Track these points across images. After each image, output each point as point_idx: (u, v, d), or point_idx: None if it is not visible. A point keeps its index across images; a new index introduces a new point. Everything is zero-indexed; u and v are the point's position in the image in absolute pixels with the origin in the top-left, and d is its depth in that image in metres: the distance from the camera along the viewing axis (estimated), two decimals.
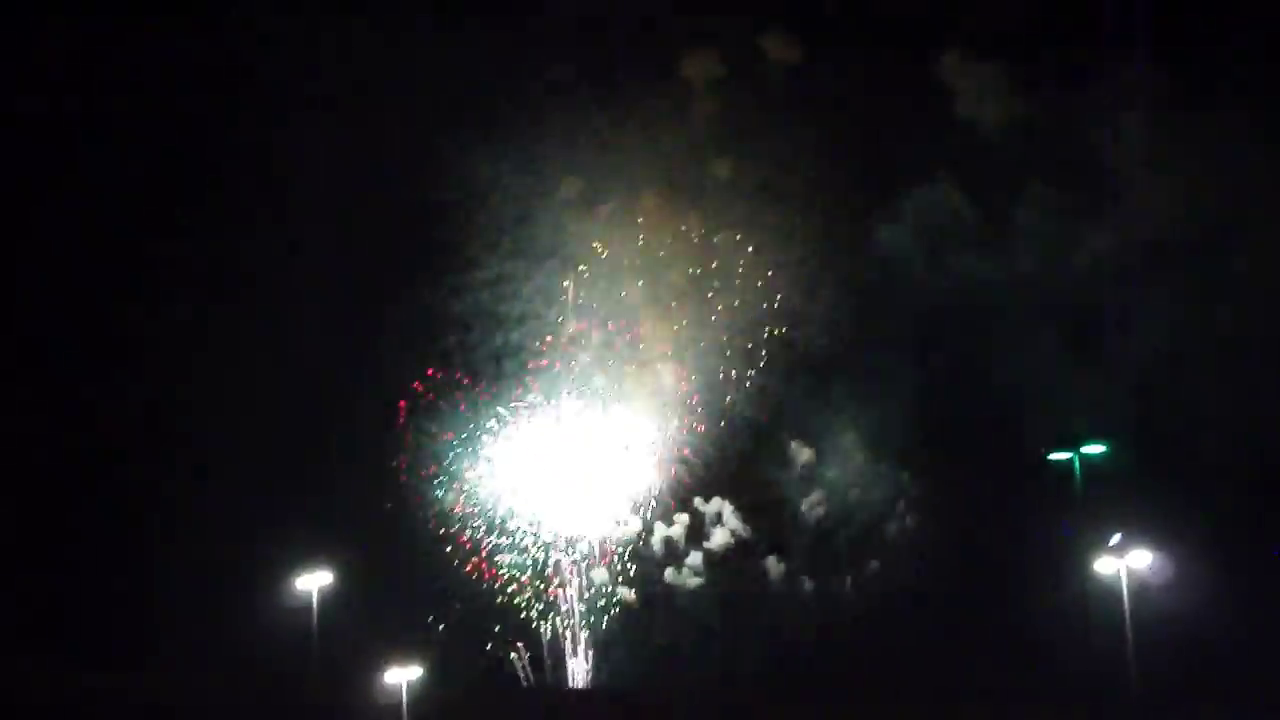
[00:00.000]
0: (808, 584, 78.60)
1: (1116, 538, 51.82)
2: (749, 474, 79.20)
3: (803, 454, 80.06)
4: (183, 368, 69.30)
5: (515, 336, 77.92)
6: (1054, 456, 49.38)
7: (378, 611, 62.80)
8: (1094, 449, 49.03)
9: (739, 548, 78.32)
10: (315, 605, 53.90)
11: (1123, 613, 50.96)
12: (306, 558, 56.03)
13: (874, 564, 78.46)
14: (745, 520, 78.39)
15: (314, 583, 54.88)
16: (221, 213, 72.01)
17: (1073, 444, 48.58)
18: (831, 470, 79.53)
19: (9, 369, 63.51)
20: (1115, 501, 53.83)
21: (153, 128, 72.92)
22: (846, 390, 78.67)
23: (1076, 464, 48.98)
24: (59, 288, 68.20)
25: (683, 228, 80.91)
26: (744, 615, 76.41)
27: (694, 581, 77.75)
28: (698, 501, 78.93)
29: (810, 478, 79.27)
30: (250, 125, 73.16)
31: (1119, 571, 51.62)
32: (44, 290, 67.66)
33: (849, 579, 78.03)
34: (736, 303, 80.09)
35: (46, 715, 52.98)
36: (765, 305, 79.55)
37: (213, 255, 71.58)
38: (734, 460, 79.27)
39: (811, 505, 79.26)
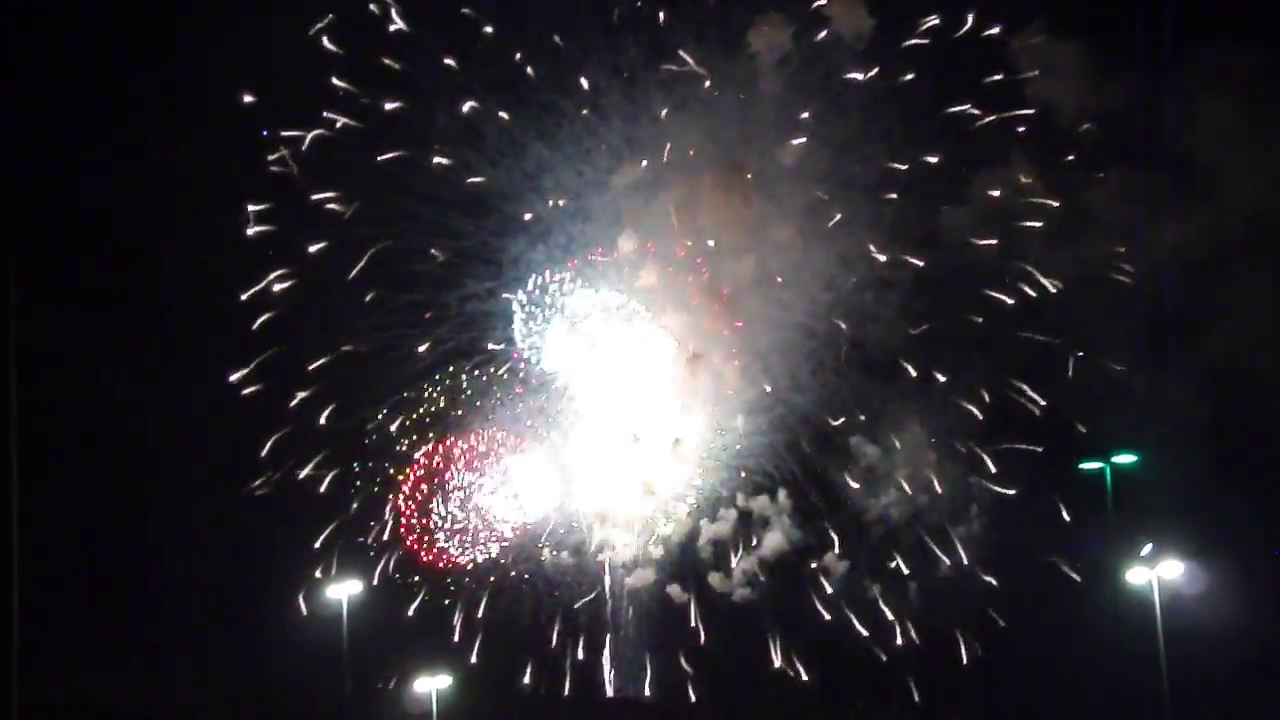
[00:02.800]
0: (872, 590, 78.56)
1: (1148, 548, 52.76)
2: (810, 474, 79.42)
3: (867, 452, 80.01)
4: (209, 370, 70.52)
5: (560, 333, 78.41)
6: (1085, 466, 50.21)
7: (408, 619, 64.58)
8: (1125, 458, 49.86)
9: (795, 549, 78.41)
10: (345, 614, 55.64)
11: (1155, 624, 51.51)
12: (338, 566, 57.73)
13: (945, 566, 78.38)
14: (802, 521, 78.69)
15: (344, 591, 56.79)
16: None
17: (1104, 453, 49.33)
18: (900, 471, 79.48)
19: (39, 372, 65.28)
20: (1148, 510, 54.63)
21: None
22: (914, 389, 78.68)
23: (1108, 474, 49.77)
24: (80, 289, 69.55)
25: (744, 216, 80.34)
26: (799, 620, 76.69)
27: (744, 586, 78.12)
28: (753, 501, 79.15)
29: (876, 479, 79.39)
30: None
31: (1151, 582, 52.46)
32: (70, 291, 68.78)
33: (914, 586, 78.15)
34: (800, 295, 79.38)
35: None
36: (831, 297, 78.90)
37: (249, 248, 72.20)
38: (794, 459, 79.39)
39: (876, 507, 79.37)
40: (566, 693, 75.04)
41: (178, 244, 72.26)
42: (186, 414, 69.96)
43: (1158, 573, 52.86)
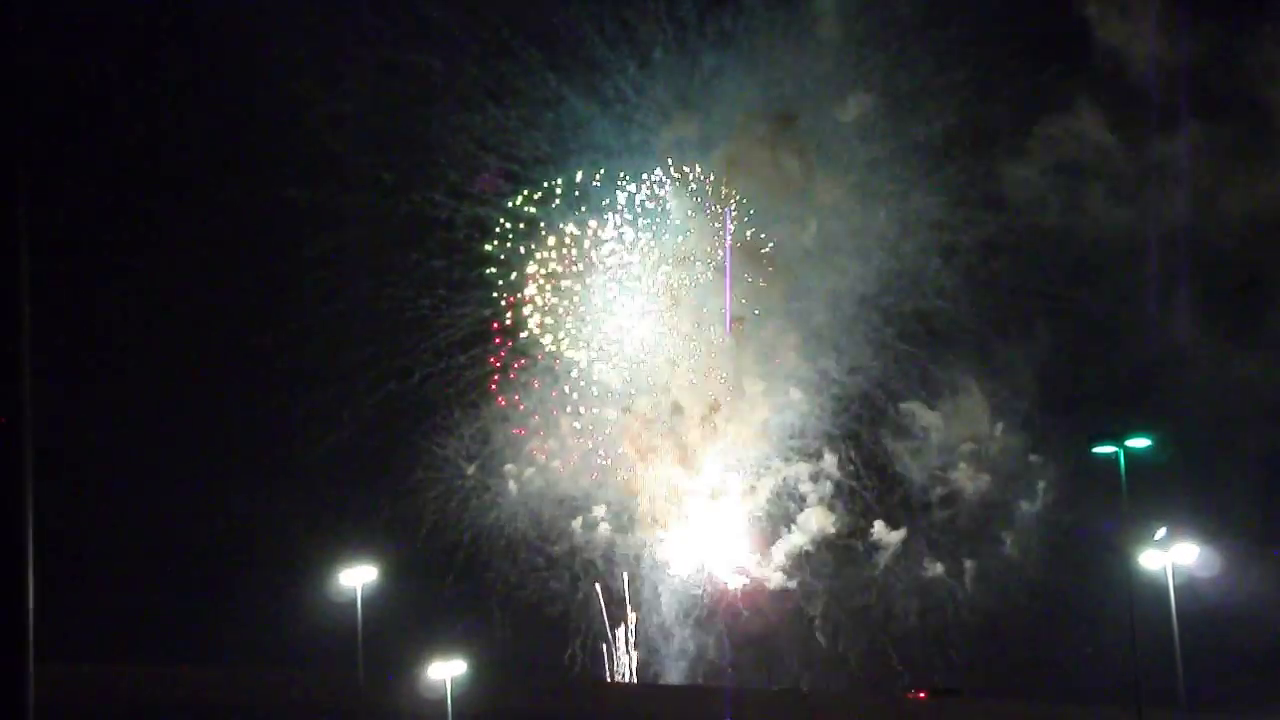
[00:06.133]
0: (929, 569, 77.87)
1: (1162, 531, 52.94)
2: (865, 448, 78.67)
3: (923, 420, 79.08)
4: (225, 360, 70.83)
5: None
6: (1098, 449, 50.44)
7: (423, 606, 64.88)
8: (1139, 442, 50.07)
9: (845, 527, 77.86)
10: (359, 601, 56.07)
11: (1169, 608, 51.69)
12: (352, 552, 58.13)
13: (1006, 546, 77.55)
14: (852, 497, 77.92)
15: (358, 578, 57.22)
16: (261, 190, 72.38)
17: (1118, 436, 49.52)
18: (961, 446, 78.56)
19: (65, 373, 65.66)
20: (1163, 494, 54.78)
21: None
22: (972, 359, 77.82)
23: (1121, 457, 49.98)
24: (104, 289, 69.74)
25: (798, 176, 79.10)
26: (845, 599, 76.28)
27: (787, 565, 77.81)
28: (802, 476, 78.49)
29: (934, 452, 78.59)
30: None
31: (1165, 566, 52.61)
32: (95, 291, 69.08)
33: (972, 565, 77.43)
34: (857, 260, 78.38)
35: (95, 712, 55.51)
36: (887, 264, 77.96)
37: (262, 238, 72.32)
38: (845, 431, 78.62)
39: (934, 483, 78.54)
40: (590, 674, 75.18)
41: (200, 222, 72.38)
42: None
43: (1172, 556, 52.88)
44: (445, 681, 58.40)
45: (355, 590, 58.32)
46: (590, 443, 78.61)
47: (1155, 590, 52.98)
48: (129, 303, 71.45)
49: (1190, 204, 76.13)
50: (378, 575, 59.42)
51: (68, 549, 61.13)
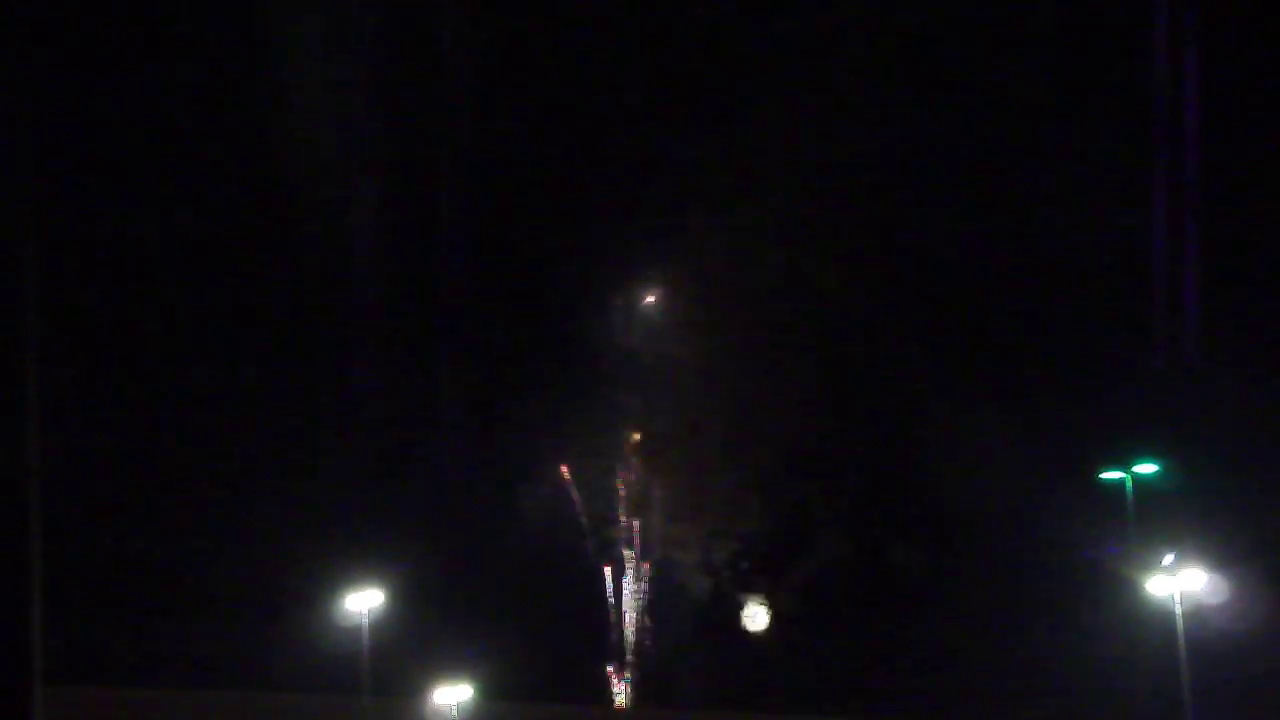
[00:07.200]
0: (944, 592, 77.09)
1: (1170, 557, 52.89)
2: (875, 466, 78.10)
3: (934, 441, 78.50)
4: (229, 371, 70.70)
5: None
6: (1106, 475, 50.44)
7: (430, 630, 64.78)
8: (1146, 468, 50.06)
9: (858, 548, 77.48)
10: (366, 626, 56.13)
11: (1176, 636, 51.69)
12: (359, 575, 58.22)
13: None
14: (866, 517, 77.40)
15: (364, 603, 57.29)
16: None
17: (1125, 463, 49.58)
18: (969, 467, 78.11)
19: (58, 375, 65.41)
20: (1170, 520, 54.74)
21: None
22: (982, 379, 77.52)
23: (1129, 483, 50.03)
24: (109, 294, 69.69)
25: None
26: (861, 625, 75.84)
27: (802, 591, 77.46)
28: (816, 496, 77.98)
29: (941, 473, 78.03)
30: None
31: (1173, 593, 52.60)
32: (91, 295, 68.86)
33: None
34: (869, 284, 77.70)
35: None
36: (898, 285, 77.34)
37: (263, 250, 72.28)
38: (861, 452, 78.11)
39: (946, 503, 77.90)
40: (600, 700, 74.94)
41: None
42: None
43: (1180, 583, 52.78)
44: (451, 707, 58.67)
45: (361, 615, 58.50)
46: (605, 462, 78.62)
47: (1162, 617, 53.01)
48: (129, 319, 71.50)
49: (1202, 220, 76.12)
50: (384, 599, 59.59)
51: (71, 569, 61.27)
